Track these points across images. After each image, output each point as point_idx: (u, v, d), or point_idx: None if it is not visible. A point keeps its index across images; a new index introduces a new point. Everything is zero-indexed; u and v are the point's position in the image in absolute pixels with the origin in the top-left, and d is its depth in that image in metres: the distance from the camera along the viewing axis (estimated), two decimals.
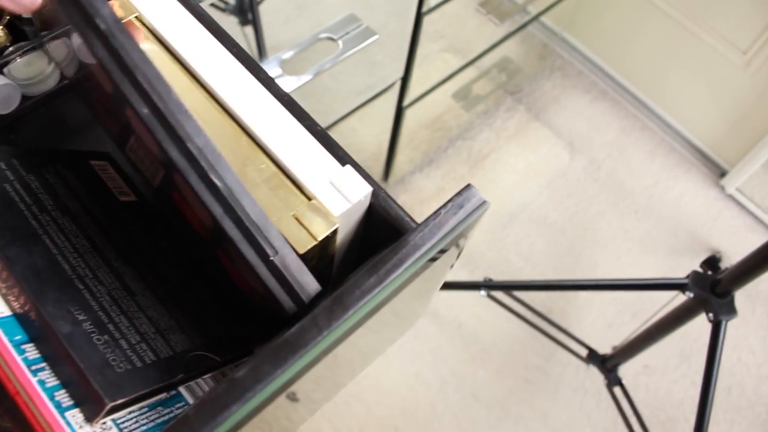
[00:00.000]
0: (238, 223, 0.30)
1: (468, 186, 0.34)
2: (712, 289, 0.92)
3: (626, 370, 1.29)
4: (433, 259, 0.33)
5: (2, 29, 0.47)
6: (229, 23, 0.79)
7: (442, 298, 1.38)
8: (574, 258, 1.46)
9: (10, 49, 0.47)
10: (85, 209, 0.42)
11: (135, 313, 0.36)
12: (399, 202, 0.36)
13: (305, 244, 0.32)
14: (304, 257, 0.32)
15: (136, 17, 0.40)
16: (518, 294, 1.32)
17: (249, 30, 0.82)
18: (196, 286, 0.42)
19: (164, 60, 0.39)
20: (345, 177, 0.34)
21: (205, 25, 0.40)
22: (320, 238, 0.32)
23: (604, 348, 1.24)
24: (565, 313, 1.40)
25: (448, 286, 1.32)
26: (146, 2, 0.40)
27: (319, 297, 0.33)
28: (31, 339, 0.34)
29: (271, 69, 0.88)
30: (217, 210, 0.30)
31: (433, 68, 1.27)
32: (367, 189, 0.34)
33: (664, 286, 1.01)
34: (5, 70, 0.47)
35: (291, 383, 0.30)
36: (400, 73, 1.10)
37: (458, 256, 0.40)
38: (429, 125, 1.43)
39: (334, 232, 0.33)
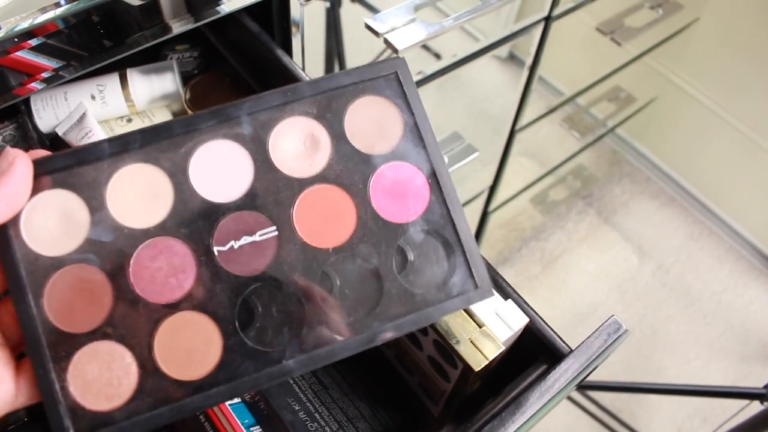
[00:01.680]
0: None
1: (612, 317, 0.43)
2: None
3: None
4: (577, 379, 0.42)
5: None
6: None
7: None
8: (644, 360, 1.50)
9: None
10: None
11: (330, 404, 0.46)
12: None
13: (480, 363, 0.41)
14: (477, 374, 0.41)
15: None
16: (588, 392, 1.37)
17: None
18: (365, 378, 0.51)
19: None
20: (508, 309, 0.43)
21: None
22: (491, 358, 0.41)
23: None
24: (634, 414, 1.43)
25: None
26: None
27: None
28: (257, 422, 0.43)
29: None
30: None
31: (510, 171, 1.38)
32: (525, 320, 0.43)
33: (742, 395, 1.05)
34: None
35: None
36: (488, 182, 1.21)
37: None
38: (504, 226, 1.53)
39: (501, 354, 0.42)
